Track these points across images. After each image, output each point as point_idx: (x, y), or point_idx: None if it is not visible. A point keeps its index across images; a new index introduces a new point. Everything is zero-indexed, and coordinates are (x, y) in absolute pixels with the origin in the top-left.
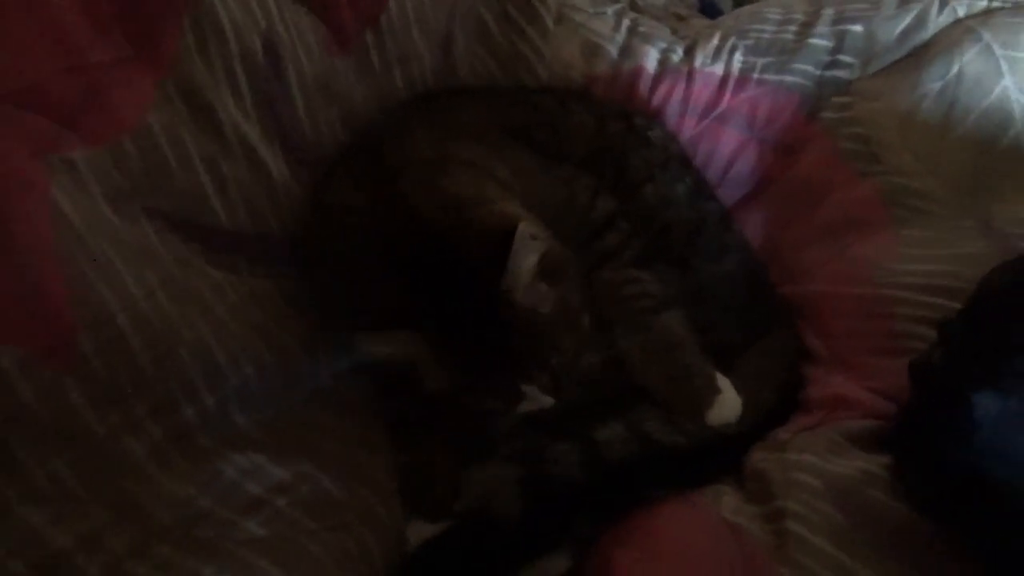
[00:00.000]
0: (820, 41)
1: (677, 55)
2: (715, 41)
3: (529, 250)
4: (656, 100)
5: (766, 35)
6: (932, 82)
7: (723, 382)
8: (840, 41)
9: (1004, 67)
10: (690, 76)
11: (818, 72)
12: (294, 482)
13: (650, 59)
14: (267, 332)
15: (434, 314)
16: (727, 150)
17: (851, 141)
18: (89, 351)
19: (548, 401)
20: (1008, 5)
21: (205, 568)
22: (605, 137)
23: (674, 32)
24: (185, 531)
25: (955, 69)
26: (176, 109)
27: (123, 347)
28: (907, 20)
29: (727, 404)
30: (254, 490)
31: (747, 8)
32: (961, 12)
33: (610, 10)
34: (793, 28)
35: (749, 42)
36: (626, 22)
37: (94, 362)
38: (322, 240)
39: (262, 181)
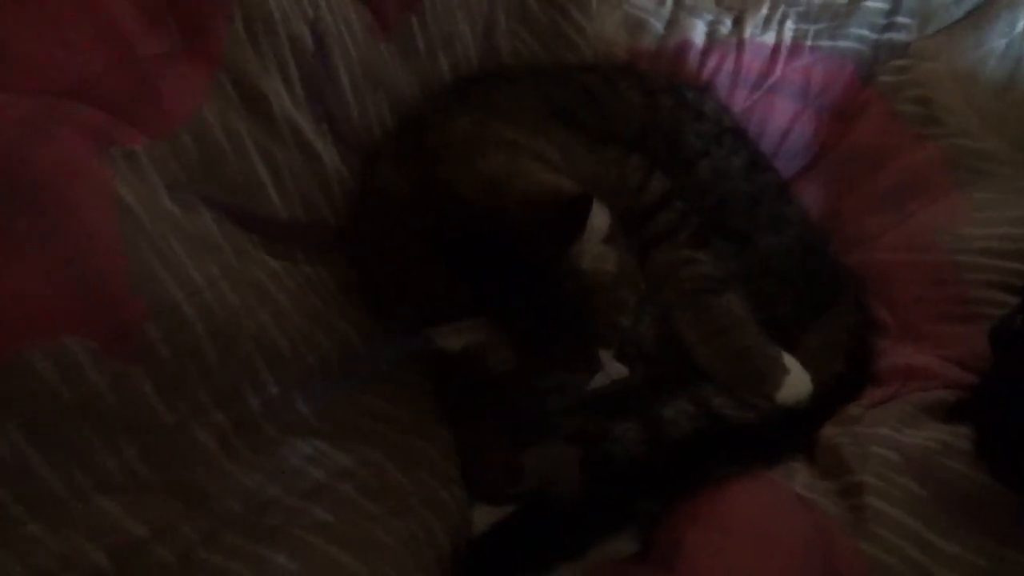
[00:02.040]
0: (875, 3)
1: (726, 27)
2: (764, 10)
3: (601, 215)
4: (705, 73)
5: (817, 1)
6: (996, 40)
7: (790, 361)
8: (896, 2)
9: None
10: (740, 47)
11: (874, 36)
12: (357, 468)
13: (697, 32)
14: (325, 320)
15: (498, 295)
16: (782, 121)
17: (910, 104)
18: (156, 340)
19: (622, 370)
20: None
21: (277, 556)
22: (656, 113)
23: (719, 3)
24: (255, 519)
25: (1020, 25)
26: (229, 99)
27: (189, 336)
28: None
29: (796, 383)
30: (319, 476)
31: None
32: None
33: None
34: None
35: (800, 8)
36: None
37: (161, 351)
38: (370, 228)
39: (314, 169)
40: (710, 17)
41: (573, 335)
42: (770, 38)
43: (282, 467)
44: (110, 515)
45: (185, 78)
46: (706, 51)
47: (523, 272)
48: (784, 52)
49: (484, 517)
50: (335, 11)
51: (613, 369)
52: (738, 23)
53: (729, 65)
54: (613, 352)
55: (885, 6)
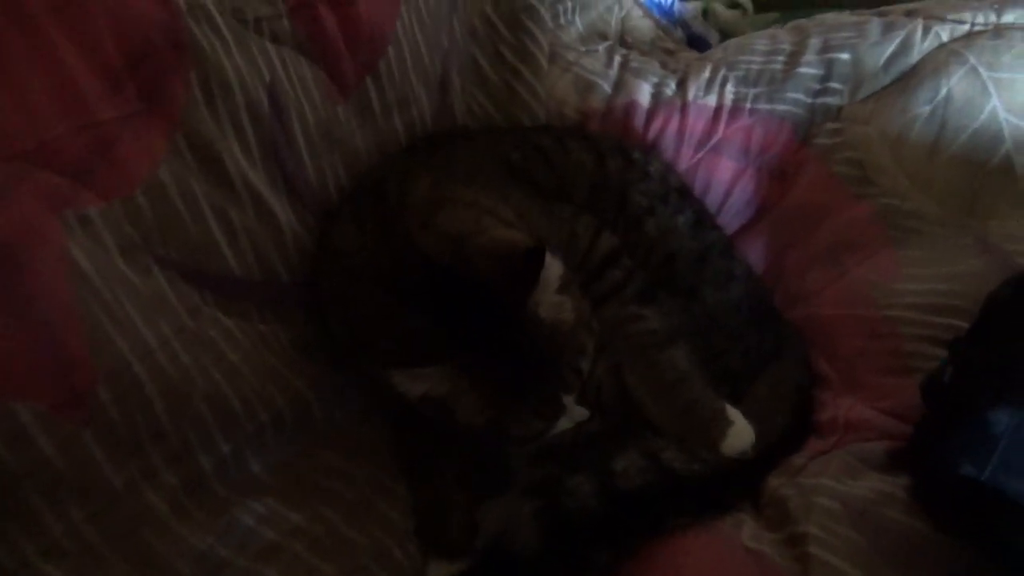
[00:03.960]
0: (809, 70)
1: (670, 88)
2: (706, 73)
3: (555, 265)
4: (652, 133)
5: (755, 66)
6: (921, 105)
7: (733, 413)
8: (828, 69)
9: (991, 88)
10: (684, 108)
11: (809, 99)
12: (310, 526)
13: (643, 93)
14: (279, 377)
15: (462, 345)
16: (724, 179)
17: (845, 165)
18: (107, 402)
19: (583, 413)
20: (989, 28)
21: None
22: (604, 173)
23: (664, 66)
24: None
25: (943, 92)
26: (186, 162)
27: (140, 397)
28: (892, 46)
29: (740, 434)
30: (271, 536)
31: (735, 40)
32: (944, 36)
33: (601, 47)
34: (781, 58)
35: (740, 73)
36: (617, 58)
37: (112, 413)
38: (332, 284)
39: (270, 229)
40: (655, 79)
41: (537, 381)
42: (712, 100)
43: (233, 528)
44: None
45: (143, 141)
46: (652, 111)
47: (485, 322)
48: (725, 113)
49: (439, 573)
50: (292, 75)
51: (575, 413)
52: (682, 85)
53: (674, 125)
54: (575, 396)
55: (819, 72)
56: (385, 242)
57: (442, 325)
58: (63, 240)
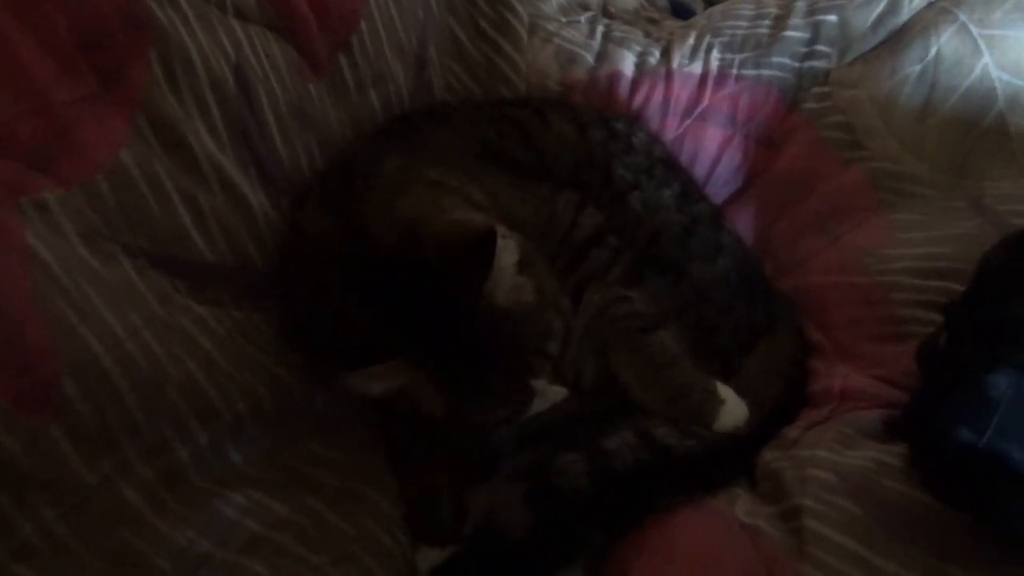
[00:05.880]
0: (795, 33)
1: (654, 57)
2: (691, 41)
3: (508, 248)
4: (636, 103)
5: (740, 31)
6: (911, 65)
7: (724, 391)
8: (815, 32)
9: (982, 45)
10: (669, 77)
11: (796, 64)
12: (295, 517)
13: (627, 63)
14: (258, 365)
15: (417, 337)
16: (712, 147)
17: (834, 129)
18: (74, 396)
19: (561, 391)
20: None
21: None
22: (587, 147)
23: (648, 35)
24: None
25: (933, 51)
26: (149, 144)
27: (110, 390)
28: (881, 6)
29: (732, 411)
30: (255, 528)
31: (719, 6)
32: None
33: (583, 18)
34: (767, 23)
35: (724, 39)
36: (600, 28)
37: (80, 407)
38: (297, 270)
39: (241, 212)
40: (639, 48)
41: (499, 369)
42: (697, 67)
43: (215, 521)
44: None
45: (102, 124)
46: (636, 81)
47: (439, 312)
48: (711, 81)
49: (428, 559)
50: (259, 52)
51: (551, 393)
52: (666, 54)
53: (659, 94)
54: (546, 377)
55: (805, 35)
56: (345, 226)
57: (392, 317)
58: (19, 228)
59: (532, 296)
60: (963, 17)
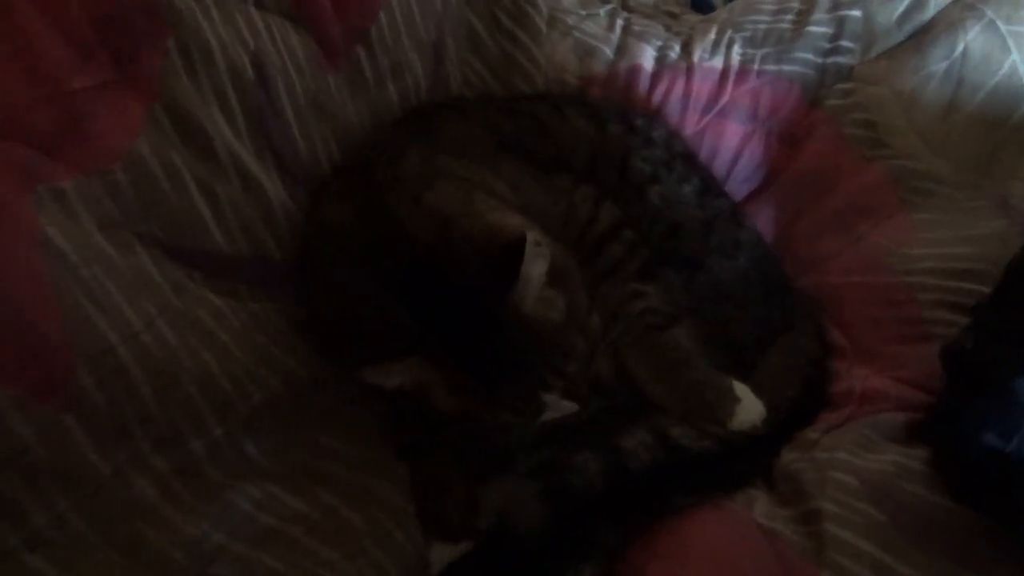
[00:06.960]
0: (819, 28)
1: (675, 52)
2: (712, 35)
3: (538, 258)
4: (656, 98)
5: (762, 26)
6: (937, 63)
7: (741, 389)
8: (839, 27)
9: (1010, 42)
10: (689, 71)
11: (819, 59)
12: (308, 510)
13: (647, 57)
14: (272, 358)
15: (437, 335)
16: (732, 143)
17: (856, 127)
18: (89, 386)
19: (571, 406)
20: None
21: None
22: (605, 141)
23: (668, 29)
24: (200, 569)
25: (960, 48)
26: (166, 133)
27: (124, 380)
28: (906, 2)
29: (748, 410)
30: (269, 521)
31: (740, 0)
32: None
33: (602, 11)
34: (790, 17)
35: (746, 34)
36: (619, 22)
37: (95, 397)
38: (316, 262)
39: (258, 203)
40: (659, 42)
41: (512, 378)
42: (718, 62)
43: (228, 513)
44: (38, 573)
45: (119, 112)
46: (656, 76)
47: (463, 313)
48: (732, 76)
49: (441, 555)
50: (278, 42)
51: (560, 407)
52: (687, 48)
53: (679, 89)
54: (559, 392)
55: (829, 30)
56: (370, 219)
57: (415, 312)
58: (34, 216)
59: (560, 314)
60: (990, 14)
